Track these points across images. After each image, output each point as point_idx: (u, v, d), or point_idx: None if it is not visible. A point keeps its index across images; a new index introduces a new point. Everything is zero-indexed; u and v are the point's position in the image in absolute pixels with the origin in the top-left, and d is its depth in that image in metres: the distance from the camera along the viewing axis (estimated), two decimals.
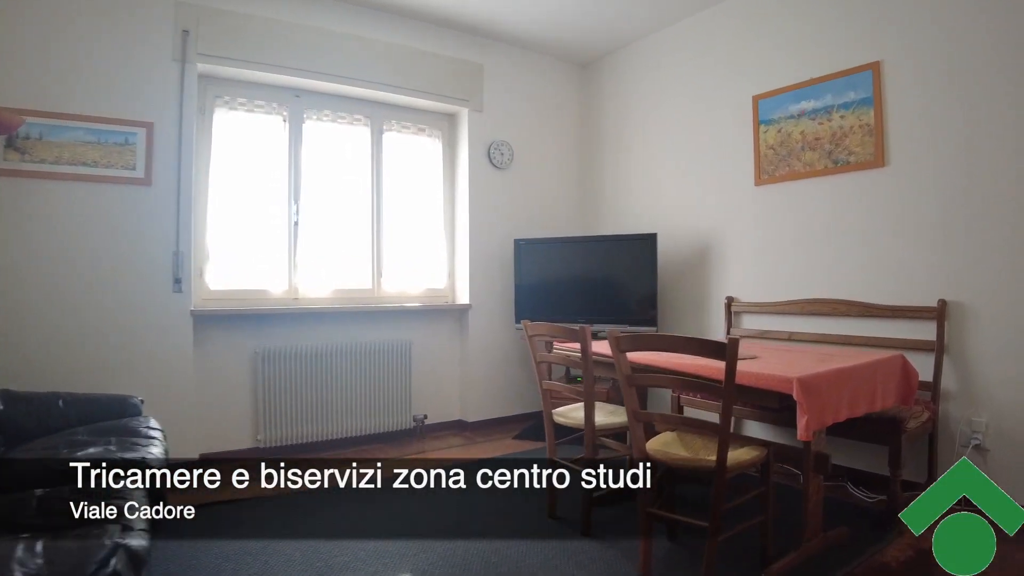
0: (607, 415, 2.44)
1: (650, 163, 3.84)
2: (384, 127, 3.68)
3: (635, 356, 2.04)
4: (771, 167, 3.22)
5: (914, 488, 2.65)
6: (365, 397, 3.47)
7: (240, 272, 3.34)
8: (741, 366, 1.99)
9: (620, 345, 1.94)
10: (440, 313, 3.73)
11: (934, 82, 2.65)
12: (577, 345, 2.25)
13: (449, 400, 3.63)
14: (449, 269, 3.86)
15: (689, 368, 1.99)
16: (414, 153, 3.76)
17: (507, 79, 3.92)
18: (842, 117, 2.94)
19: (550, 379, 2.55)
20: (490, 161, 3.81)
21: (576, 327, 2.24)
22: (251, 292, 3.36)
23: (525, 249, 3.74)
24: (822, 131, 3.01)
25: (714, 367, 1.87)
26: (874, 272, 2.84)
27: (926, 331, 2.64)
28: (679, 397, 3.16)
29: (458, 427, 3.67)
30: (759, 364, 2.04)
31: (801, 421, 1.73)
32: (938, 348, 2.59)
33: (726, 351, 1.72)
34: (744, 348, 2.52)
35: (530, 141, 4.00)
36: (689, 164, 3.63)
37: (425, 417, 3.62)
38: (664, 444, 2.00)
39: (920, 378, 2.62)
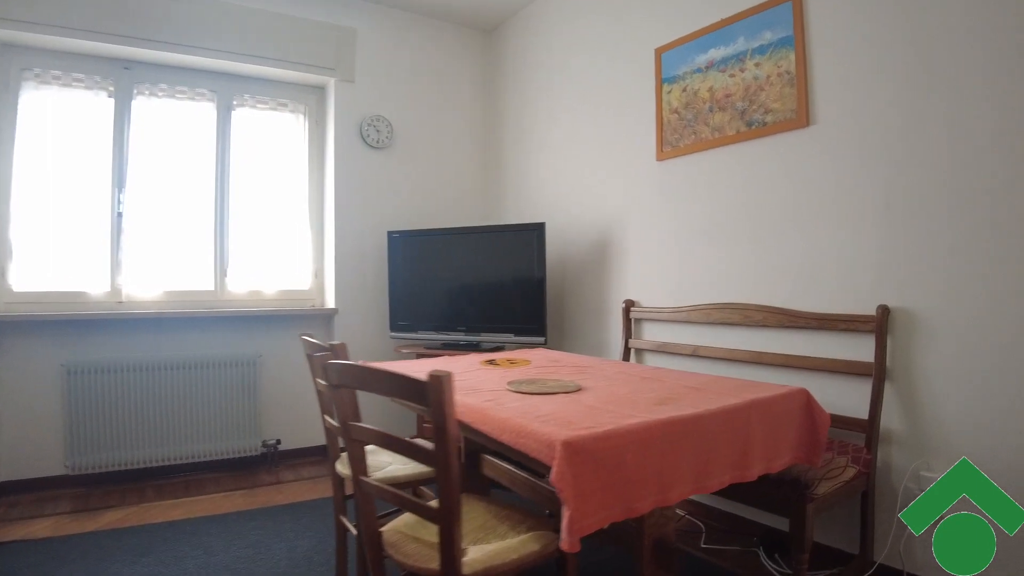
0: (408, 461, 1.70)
1: (552, 141, 3.06)
2: (234, 102, 2.98)
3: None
4: (675, 136, 2.41)
5: (842, 560, 1.84)
6: (202, 418, 2.78)
7: (52, 271, 2.68)
8: (502, 411, 1.24)
9: (322, 375, 1.20)
10: (300, 319, 3.01)
11: (871, 11, 1.83)
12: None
13: (309, 423, 2.91)
14: (316, 268, 3.14)
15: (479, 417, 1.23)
16: (272, 132, 3.05)
17: (387, 46, 3.17)
18: (757, 65, 2.12)
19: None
20: (363, 139, 3.07)
21: (327, 344, 1.50)
22: (66, 294, 2.69)
23: (400, 243, 3.00)
24: (733, 85, 2.20)
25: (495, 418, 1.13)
26: (798, 269, 2.03)
27: (863, 348, 1.83)
28: None
29: (322, 454, 2.96)
30: (545, 408, 1.26)
31: (564, 517, 0.97)
32: (877, 372, 1.77)
33: (428, 394, 0.96)
34: (573, 372, 1.76)
35: (417, 117, 3.24)
36: (590, 140, 2.83)
37: (278, 442, 2.92)
38: (407, 527, 1.24)
39: (853, 415, 1.82)
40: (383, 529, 1.25)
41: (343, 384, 1.19)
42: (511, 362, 1.98)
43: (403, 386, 1.01)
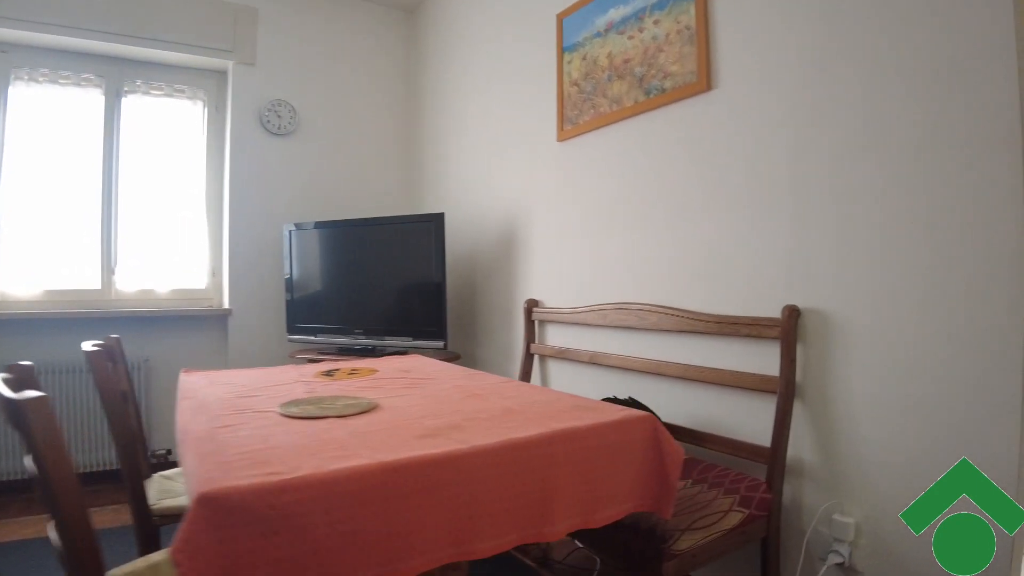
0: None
1: (466, 125, 2.71)
2: (124, 88, 2.69)
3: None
4: (575, 112, 2.05)
5: None
6: (81, 427, 2.49)
7: None
8: (207, 444, 0.92)
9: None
10: (194, 321, 2.71)
11: None
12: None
13: None
14: (214, 265, 2.84)
15: None
16: (168, 120, 2.76)
17: (293, 26, 2.86)
18: (656, 23, 1.75)
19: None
20: (263, 126, 2.77)
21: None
22: None
23: (297, 238, 2.69)
24: (632, 48, 1.83)
25: None
26: (700, 262, 1.65)
27: (771, 358, 1.44)
28: None
29: None
30: (279, 438, 0.90)
31: None
32: (783, 388, 1.38)
33: (27, 417, 0.63)
34: (406, 385, 1.39)
35: (326, 102, 2.91)
36: (497, 122, 2.48)
37: (168, 453, 2.62)
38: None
39: (758, 441, 1.44)
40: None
41: None
42: (353, 372, 1.63)
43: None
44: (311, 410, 1.16)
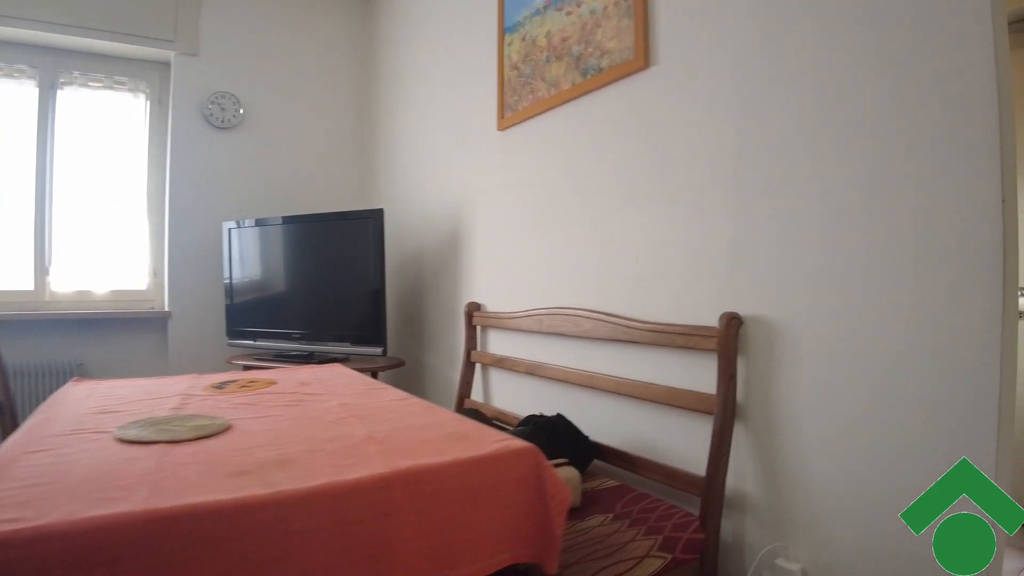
0: None
1: (417, 117, 2.51)
2: (60, 80, 2.54)
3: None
4: (514, 98, 1.85)
5: None
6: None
7: None
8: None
9: None
10: (133, 323, 2.55)
11: None
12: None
13: None
14: (155, 265, 2.67)
15: None
16: (107, 113, 2.60)
17: (240, 14, 2.67)
18: None
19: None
20: (206, 119, 2.60)
21: None
22: None
23: (238, 237, 2.51)
24: (570, 25, 1.62)
25: None
26: (638, 262, 1.44)
27: (708, 372, 1.23)
28: None
29: None
30: (72, 469, 0.71)
31: None
32: (722, 408, 1.17)
33: None
34: (287, 403, 1.19)
35: (275, 94, 2.72)
36: (444, 112, 2.27)
37: None
38: None
39: (695, 470, 1.24)
40: None
41: None
42: (248, 384, 1.45)
43: None
44: (147, 433, 0.98)
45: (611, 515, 1.19)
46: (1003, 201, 0.88)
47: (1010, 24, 2.35)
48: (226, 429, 1.01)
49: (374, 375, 2.48)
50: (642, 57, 1.40)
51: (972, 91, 0.88)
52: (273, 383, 1.48)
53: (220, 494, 0.68)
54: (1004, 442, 0.88)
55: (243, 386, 1.43)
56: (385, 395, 1.31)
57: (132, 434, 0.97)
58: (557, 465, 1.29)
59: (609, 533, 1.11)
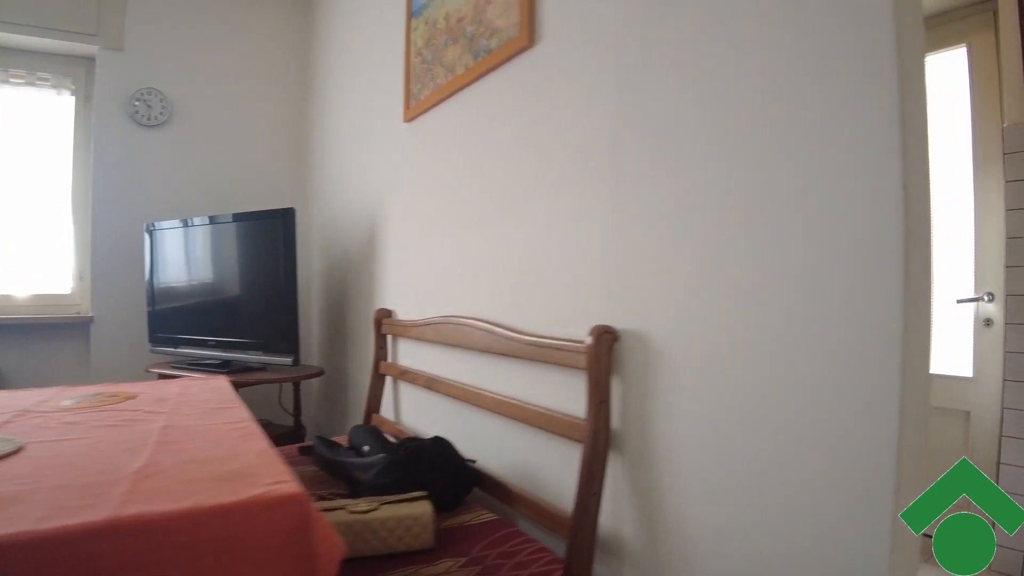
0: None
1: (346, 112, 2.33)
2: None
3: None
4: (418, 87, 1.67)
5: None
6: None
7: None
8: None
9: None
10: (54, 329, 2.41)
11: None
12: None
13: None
14: (80, 269, 2.54)
15: None
16: (28, 111, 2.47)
17: (168, 6, 2.52)
18: None
19: None
20: (131, 117, 2.46)
21: None
22: None
23: (158, 239, 2.37)
24: (466, 4, 1.45)
25: None
26: (522, 264, 1.27)
27: (580, 394, 1.06)
28: None
29: None
30: None
31: None
32: (592, 435, 0.99)
33: None
34: (114, 420, 1.03)
35: (205, 90, 2.57)
36: (364, 106, 2.10)
37: None
38: None
39: (557, 505, 1.06)
40: None
41: None
42: (109, 398, 1.30)
43: None
44: None
45: (465, 559, 1.01)
46: (904, 187, 0.70)
47: (970, 6, 2.09)
48: (11, 454, 0.86)
49: (295, 386, 2.34)
50: (527, 34, 1.22)
51: (867, 62, 0.70)
52: (132, 397, 1.33)
53: None
54: (906, 478, 0.70)
55: (101, 401, 1.28)
56: (224, 417, 1.15)
57: None
58: (413, 499, 1.12)
59: None
